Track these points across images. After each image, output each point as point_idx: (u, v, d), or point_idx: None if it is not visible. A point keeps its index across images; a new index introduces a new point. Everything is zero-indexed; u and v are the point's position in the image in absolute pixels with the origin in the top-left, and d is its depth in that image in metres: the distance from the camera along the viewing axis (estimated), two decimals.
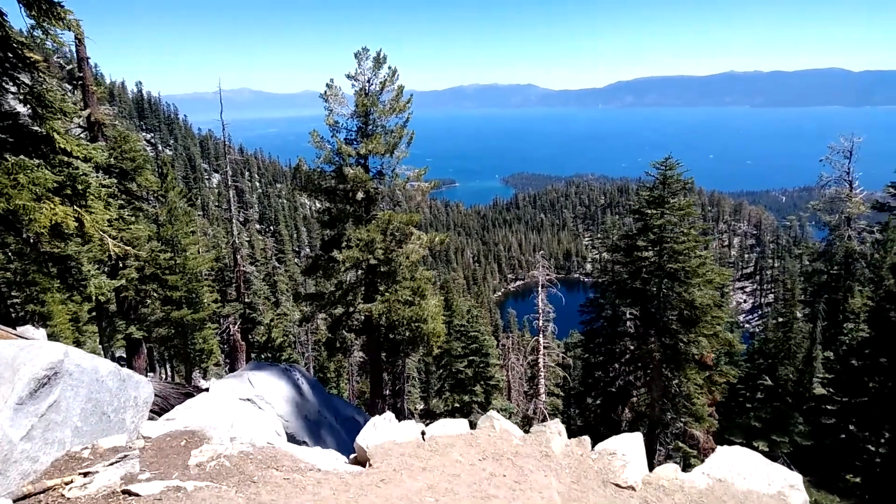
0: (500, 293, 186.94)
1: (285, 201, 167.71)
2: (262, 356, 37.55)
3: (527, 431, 8.45)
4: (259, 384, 13.19)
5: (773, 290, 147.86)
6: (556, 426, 8.08)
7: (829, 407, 21.62)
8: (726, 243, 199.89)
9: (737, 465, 7.47)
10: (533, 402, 25.12)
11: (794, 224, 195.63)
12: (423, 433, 7.75)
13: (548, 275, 24.95)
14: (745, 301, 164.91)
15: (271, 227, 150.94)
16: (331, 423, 14.90)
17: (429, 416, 44.54)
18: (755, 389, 32.61)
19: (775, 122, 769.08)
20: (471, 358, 27.36)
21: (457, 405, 26.52)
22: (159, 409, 10.31)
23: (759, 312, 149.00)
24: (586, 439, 8.15)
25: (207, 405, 7.70)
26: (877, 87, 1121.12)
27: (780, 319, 34.34)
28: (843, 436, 23.07)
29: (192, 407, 7.57)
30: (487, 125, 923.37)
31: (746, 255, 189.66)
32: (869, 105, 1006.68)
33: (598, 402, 34.54)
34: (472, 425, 8.40)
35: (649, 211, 20.83)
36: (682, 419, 20.86)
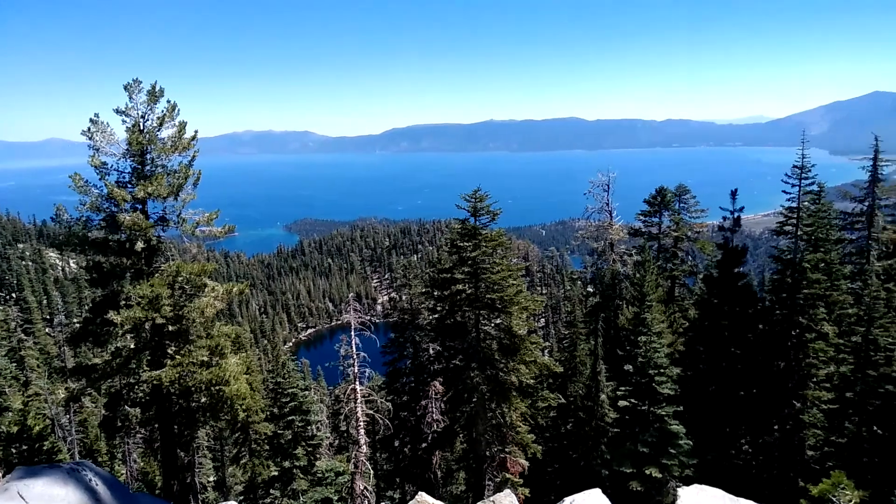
0: (291, 343, 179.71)
1: (30, 263, 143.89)
2: (16, 452, 30.55)
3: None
4: (35, 497, 10.01)
5: (543, 315, 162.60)
6: (507, 498, 7.16)
7: (627, 417, 23.58)
8: None
9: None
10: (354, 454, 23.64)
11: (555, 255, 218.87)
12: None
13: (360, 317, 23.92)
14: None
15: (13, 295, 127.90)
16: None
17: (223, 489, 40.17)
18: (549, 409, 34.70)
19: (530, 165, 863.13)
20: (289, 418, 24.96)
21: (274, 473, 23.85)
22: None
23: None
24: None
25: None
26: (607, 133, 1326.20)
27: (565, 343, 37.19)
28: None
29: None
30: (266, 172, 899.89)
31: None
32: (602, 149, 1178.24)
33: (407, 443, 34.04)
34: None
35: (462, 244, 21.11)
36: (507, 449, 21.14)
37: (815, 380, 24.93)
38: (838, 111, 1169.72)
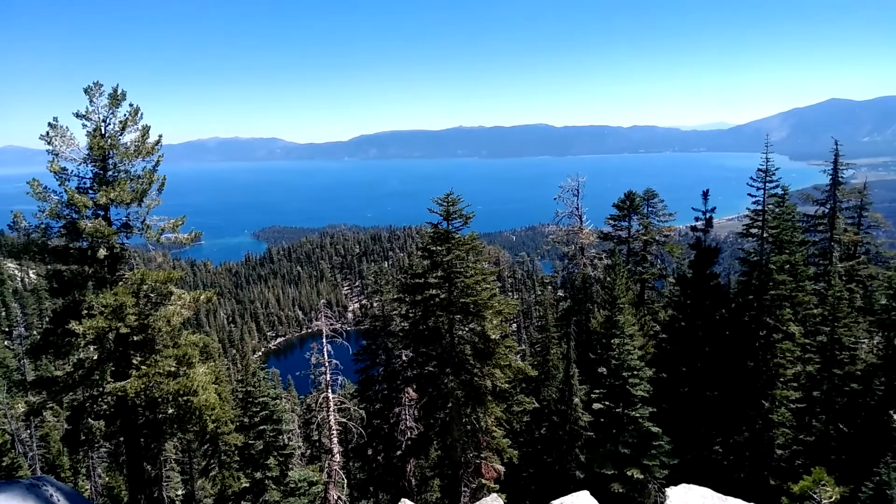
0: (260, 353, 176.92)
1: None
2: None
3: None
4: None
5: (515, 320, 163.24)
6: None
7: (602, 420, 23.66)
8: None
9: None
10: (327, 464, 23.19)
11: (525, 260, 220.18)
12: None
13: (331, 324, 23.54)
14: None
15: None
16: None
17: (192, 503, 39.15)
18: (524, 414, 34.71)
19: (499, 171, 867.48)
20: (260, 427, 24.30)
21: (246, 484, 23.20)
22: None
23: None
24: None
25: None
26: (575, 140, 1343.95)
27: (537, 347, 37.25)
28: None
29: None
30: (232, 179, 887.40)
31: None
32: (570, 155, 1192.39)
33: (380, 451, 33.65)
34: None
35: (435, 248, 20.92)
36: (483, 454, 20.96)
37: (782, 379, 25.37)
38: (797, 118, 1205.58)
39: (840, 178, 33.63)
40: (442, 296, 21.09)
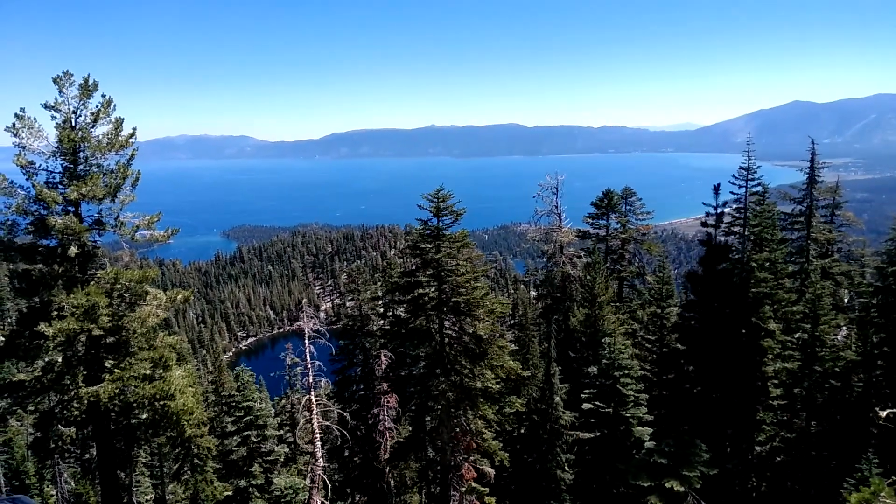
0: (231, 353, 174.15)
1: None
2: None
3: None
4: None
5: None
6: None
7: (592, 420, 23.42)
8: None
9: None
10: (310, 468, 22.58)
11: (498, 259, 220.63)
12: None
13: (315, 325, 22.93)
14: None
15: None
16: None
17: None
18: (516, 415, 34.49)
19: (472, 170, 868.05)
20: (244, 433, 23.46)
21: (229, 493, 22.38)
22: None
23: None
24: None
25: None
26: (546, 140, 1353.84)
27: (517, 346, 37.05)
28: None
29: None
30: (202, 177, 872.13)
31: None
32: (541, 154, 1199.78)
33: (357, 453, 33.04)
34: None
35: (425, 245, 20.41)
36: (473, 457, 20.54)
37: (764, 376, 25.53)
38: (761, 119, 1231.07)
39: (817, 178, 34.14)
40: (433, 294, 20.62)
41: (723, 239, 28.12)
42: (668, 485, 19.63)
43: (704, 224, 28.78)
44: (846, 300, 36.78)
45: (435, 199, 20.50)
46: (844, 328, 31.42)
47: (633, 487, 20.82)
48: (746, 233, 25.83)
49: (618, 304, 37.19)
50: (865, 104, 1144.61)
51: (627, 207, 39.32)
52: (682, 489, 19.77)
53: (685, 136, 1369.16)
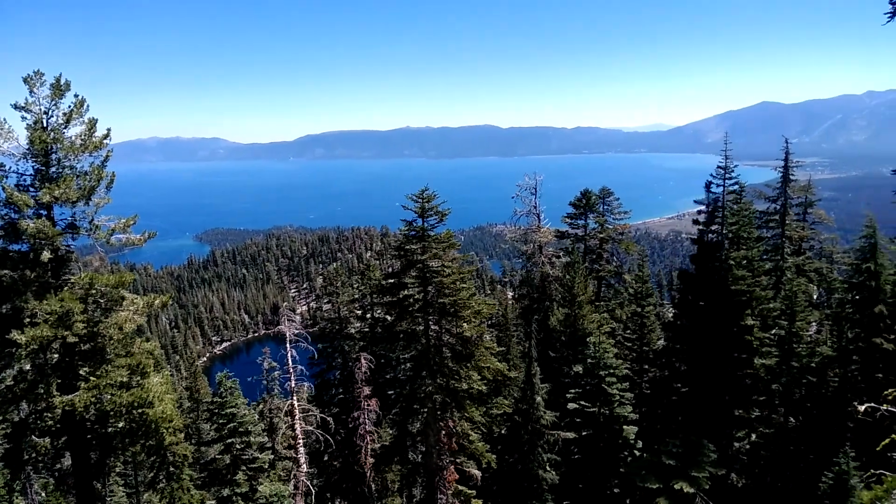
0: (205, 358, 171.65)
1: None
2: None
3: None
4: None
5: None
6: None
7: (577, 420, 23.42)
8: None
9: None
10: (293, 474, 22.24)
11: (475, 259, 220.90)
12: None
13: (296, 329, 22.60)
14: None
15: None
16: None
17: None
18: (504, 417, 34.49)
19: (447, 171, 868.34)
20: (228, 441, 22.92)
21: (211, 502, 21.89)
22: None
23: None
24: None
25: None
26: (521, 141, 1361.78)
27: (498, 346, 37.11)
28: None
29: None
30: (173, 180, 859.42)
31: None
32: (517, 156, 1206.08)
33: (337, 457, 32.71)
34: None
35: (411, 246, 20.19)
36: (459, 460, 20.40)
37: (742, 373, 25.85)
38: (731, 120, 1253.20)
39: (791, 177, 34.77)
40: (418, 296, 20.43)
41: (711, 237, 28.26)
42: (676, 486, 19.33)
43: (696, 222, 28.83)
44: (815, 296, 37.50)
45: (420, 200, 20.31)
46: (815, 324, 32.03)
47: (633, 488, 20.62)
48: (725, 231, 26.19)
49: (597, 303, 37.43)
50: (831, 105, 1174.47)
51: (605, 207, 39.58)
52: (690, 490, 19.46)
53: (657, 136, 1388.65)
